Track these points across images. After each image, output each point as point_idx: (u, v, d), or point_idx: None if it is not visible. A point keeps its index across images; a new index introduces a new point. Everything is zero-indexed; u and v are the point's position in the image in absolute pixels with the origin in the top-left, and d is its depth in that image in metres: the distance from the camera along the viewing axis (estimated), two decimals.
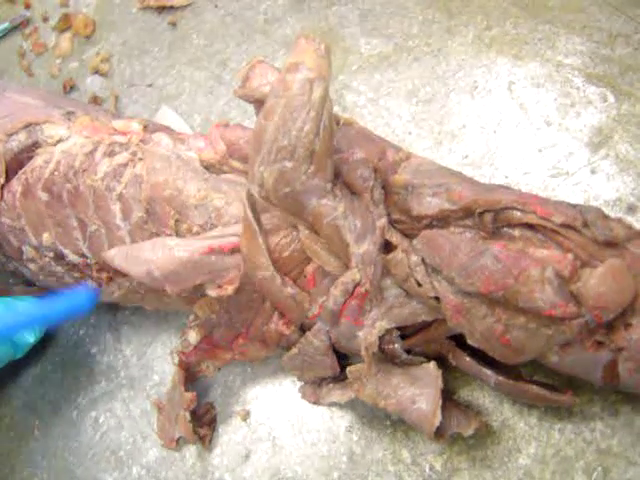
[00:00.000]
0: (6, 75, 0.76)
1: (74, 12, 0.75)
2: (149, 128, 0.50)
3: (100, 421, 0.55)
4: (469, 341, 0.39)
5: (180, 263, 0.42)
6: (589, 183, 0.47)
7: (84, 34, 0.73)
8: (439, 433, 0.40)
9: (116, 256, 0.44)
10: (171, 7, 0.69)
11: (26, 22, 0.78)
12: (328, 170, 0.38)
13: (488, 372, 0.41)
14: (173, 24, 0.69)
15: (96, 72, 0.70)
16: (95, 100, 0.68)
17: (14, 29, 0.79)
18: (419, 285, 0.38)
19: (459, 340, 0.41)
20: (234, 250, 0.41)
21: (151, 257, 0.42)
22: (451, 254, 0.37)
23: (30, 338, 0.54)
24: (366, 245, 0.39)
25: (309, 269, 0.41)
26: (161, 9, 0.70)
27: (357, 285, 0.40)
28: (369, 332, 0.41)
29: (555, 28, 0.52)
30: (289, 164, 0.37)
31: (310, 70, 0.36)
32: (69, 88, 0.70)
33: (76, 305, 0.48)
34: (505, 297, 0.36)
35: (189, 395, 0.47)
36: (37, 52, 0.75)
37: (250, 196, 0.39)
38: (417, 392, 0.40)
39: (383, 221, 0.39)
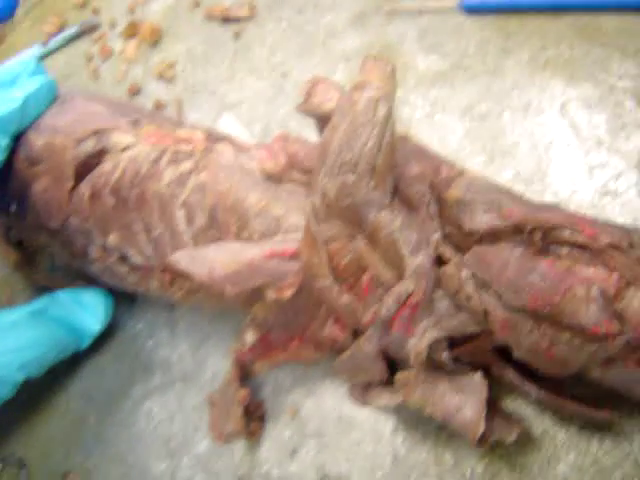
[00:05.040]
0: (73, 78, 0.79)
1: (141, 20, 0.78)
2: (212, 137, 0.52)
3: (153, 412, 0.56)
4: (515, 354, 0.40)
5: (242, 265, 0.43)
6: (637, 203, 0.48)
7: (150, 41, 0.75)
8: (482, 439, 0.41)
9: (180, 258, 0.46)
10: (235, 18, 0.71)
11: (94, 28, 0.81)
12: (388, 184, 0.40)
13: (529, 386, 0.42)
14: (237, 34, 0.71)
15: (161, 78, 0.72)
16: (159, 105, 0.70)
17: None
18: (469, 298, 0.40)
19: (503, 353, 0.43)
20: (294, 256, 0.43)
21: (214, 259, 0.44)
22: (500, 270, 0.39)
23: (96, 327, 0.57)
24: (420, 258, 0.41)
25: (364, 278, 0.43)
26: (225, 20, 0.72)
27: (410, 295, 0.41)
28: (419, 341, 0.42)
29: (609, 51, 0.53)
30: (351, 177, 0.39)
31: (376, 89, 0.38)
32: (134, 92, 0.73)
33: None
34: (551, 313, 0.37)
35: (243, 392, 0.49)
36: (104, 57, 0.78)
37: (313, 206, 0.41)
38: (462, 400, 0.42)
39: (437, 235, 0.41)
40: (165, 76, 0.72)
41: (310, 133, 0.53)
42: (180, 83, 0.71)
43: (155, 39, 0.75)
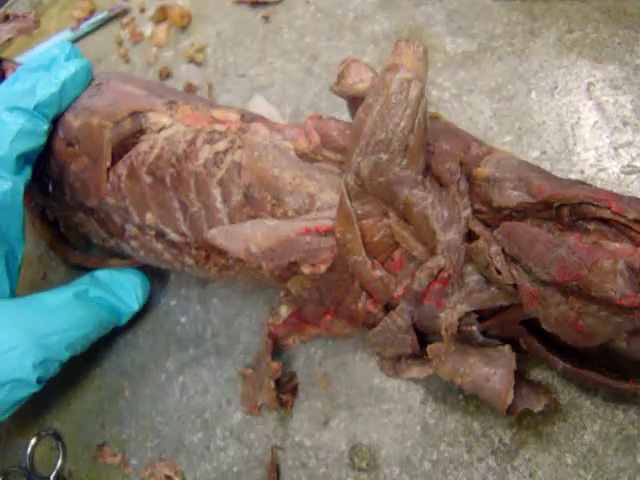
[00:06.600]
0: (104, 62, 0.80)
1: (170, 4, 0.79)
2: (246, 118, 0.53)
3: (187, 385, 0.58)
4: (543, 326, 0.41)
5: (277, 241, 0.45)
6: None
7: (180, 25, 0.76)
8: (510, 410, 0.43)
9: (217, 235, 0.47)
10: (264, 2, 0.72)
11: (124, 12, 0.83)
12: (420, 163, 0.41)
13: (556, 358, 0.43)
14: (266, 18, 0.72)
15: (191, 61, 0.74)
16: (190, 87, 0.71)
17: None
18: (498, 273, 0.41)
19: (530, 326, 0.44)
20: (328, 232, 0.44)
21: (250, 235, 0.46)
22: (529, 245, 0.40)
23: (134, 305, 0.59)
24: (451, 234, 0.42)
25: (397, 253, 0.44)
26: (254, 3, 0.73)
27: (441, 270, 0.43)
28: (450, 314, 0.44)
29: (634, 33, 0.54)
30: (385, 156, 0.40)
31: (408, 71, 0.39)
32: (165, 75, 0.74)
33: None
34: (579, 286, 0.38)
35: (275, 364, 0.51)
36: (134, 41, 0.79)
37: (347, 184, 0.42)
38: (491, 372, 0.43)
39: (468, 212, 0.42)
40: (195, 59, 0.73)
41: (340, 114, 0.54)
42: (210, 66, 0.73)
43: (185, 23, 0.76)
